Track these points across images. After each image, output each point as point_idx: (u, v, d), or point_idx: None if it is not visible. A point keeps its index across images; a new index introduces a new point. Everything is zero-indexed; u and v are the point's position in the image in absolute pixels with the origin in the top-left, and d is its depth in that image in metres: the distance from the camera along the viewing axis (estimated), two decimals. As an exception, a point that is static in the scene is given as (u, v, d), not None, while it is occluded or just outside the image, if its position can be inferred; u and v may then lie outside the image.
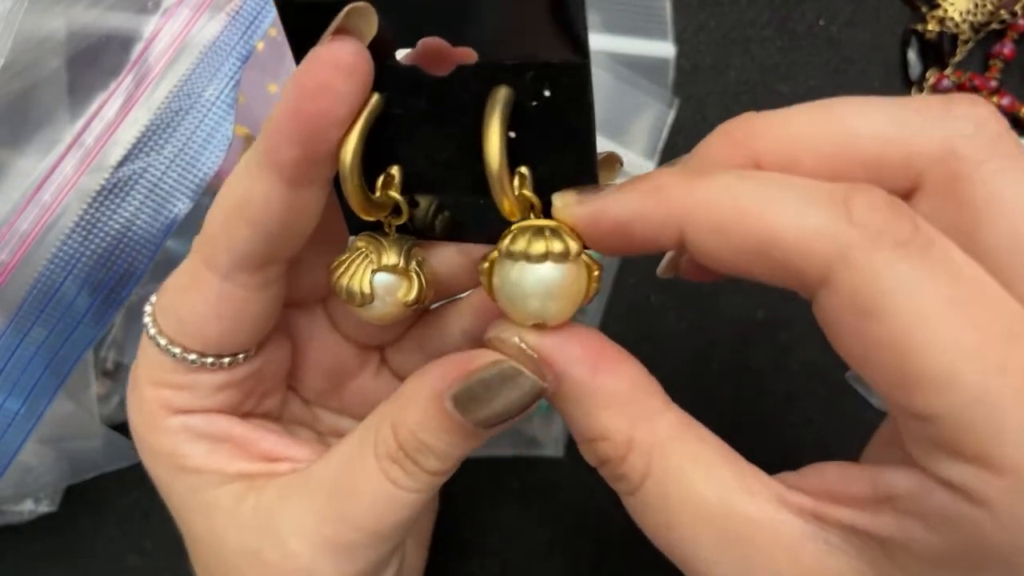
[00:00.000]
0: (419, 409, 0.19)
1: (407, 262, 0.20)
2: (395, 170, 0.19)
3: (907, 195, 0.17)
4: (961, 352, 0.14)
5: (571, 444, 0.35)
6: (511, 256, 0.18)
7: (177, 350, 0.20)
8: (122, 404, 0.34)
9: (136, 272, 0.27)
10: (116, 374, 0.35)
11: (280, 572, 0.20)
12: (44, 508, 0.34)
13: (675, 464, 0.17)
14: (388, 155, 0.19)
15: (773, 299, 0.36)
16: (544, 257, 0.17)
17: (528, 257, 0.18)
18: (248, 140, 0.33)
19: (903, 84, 0.37)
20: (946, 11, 0.36)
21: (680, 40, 0.37)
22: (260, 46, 0.31)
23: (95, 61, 0.27)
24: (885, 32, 0.38)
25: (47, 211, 0.26)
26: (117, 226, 0.27)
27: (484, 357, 0.19)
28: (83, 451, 0.32)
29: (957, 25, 0.36)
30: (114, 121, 0.27)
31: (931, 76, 0.37)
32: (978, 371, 0.14)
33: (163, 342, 0.20)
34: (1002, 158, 0.16)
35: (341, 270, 0.20)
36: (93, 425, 0.32)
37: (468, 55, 0.18)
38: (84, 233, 0.26)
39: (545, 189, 0.18)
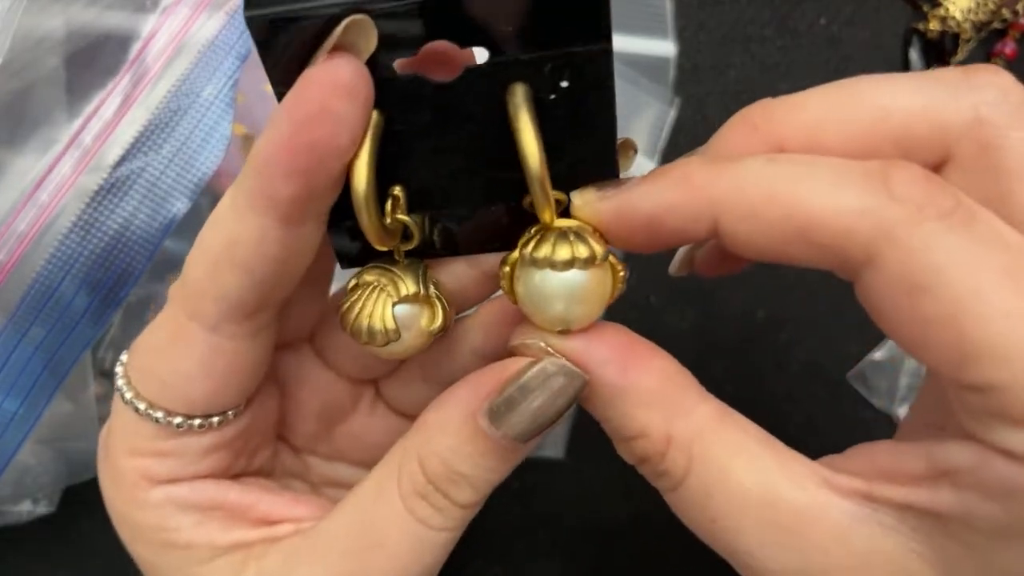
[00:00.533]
0: (450, 434, 0.18)
1: (426, 288, 0.19)
2: (398, 191, 0.18)
3: (936, 168, 0.17)
4: (1020, 321, 0.14)
5: (571, 445, 0.35)
6: (535, 264, 0.17)
7: (159, 414, 0.18)
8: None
9: (135, 272, 0.27)
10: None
11: None
12: (42, 509, 0.34)
13: (716, 456, 0.17)
14: (389, 176, 0.18)
15: (773, 299, 0.36)
16: (570, 264, 0.17)
17: (553, 265, 0.17)
18: (247, 139, 0.33)
19: (904, 83, 0.37)
20: (948, 10, 0.36)
21: (681, 39, 0.37)
22: (259, 45, 0.31)
23: (93, 60, 0.27)
24: (886, 31, 0.37)
25: (45, 211, 0.26)
26: (115, 225, 0.27)
27: (518, 363, 0.18)
28: (81, 452, 0.32)
29: (959, 24, 0.36)
30: (112, 120, 0.27)
31: (932, 75, 0.36)
32: None
33: (142, 406, 0.18)
34: None
35: (356, 310, 0.19)
36: (91, 425, 0.32)
37: (476, 56, 0.17)
38: (82, 233, 0.26)
39: (563, 186, 0.18)
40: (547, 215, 0.17)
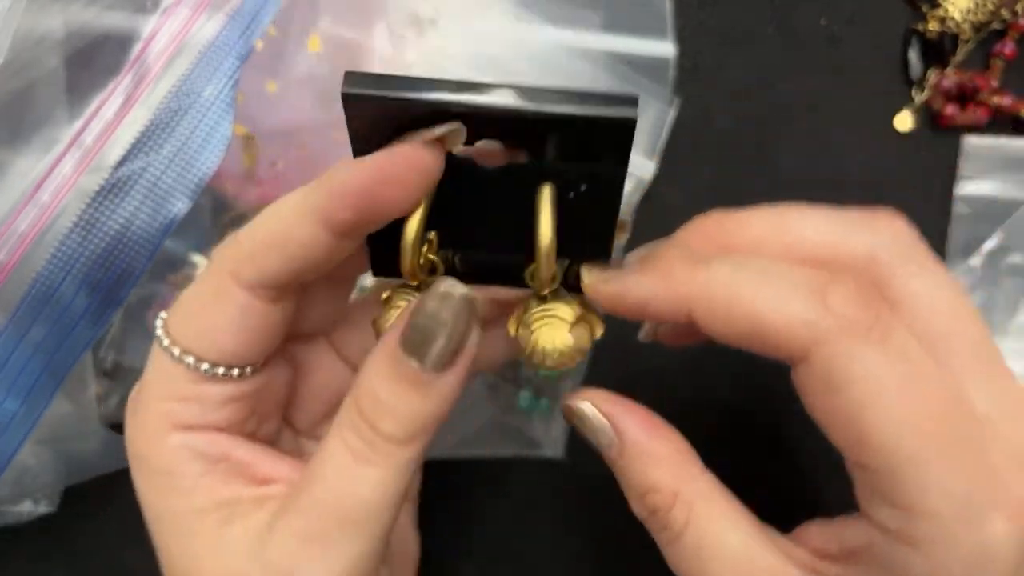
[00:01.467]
0: (375, 369, 0.20)
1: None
2: (433, 235, 0.22)
3: None
4: (902, 423, 0.18)
5: (571, 445, 0.35)
6: (530, 366, 0.23)
7: (191, 359, 0.21)
8: (121, 404, 0.33)
9: (135, 272, 0.27)
10: (115, 374, 0.35)
11: None
12: (43, 509, 0.34)
13: (710, 518, 0.21)
14: (429, 222, 0.21)
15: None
16: (544, 361, 0.22)
17: (544, 365, 0.22)
18: (247, 139, 0.33)
19: (904, 84, 0.37)
20: (947, 10, 0.36)
21: (680, 39, 0.37)
22: (259, 45, 0.31)
23: (93, 60, 0.27)
24: (886, 31, 0.37)
25: (46, 211, 0.26)
26: (116, 226, 0.27)
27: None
28: (81, 452, 0.32)
29: (958, 25, 0.36)
30: (113, 121, 0.27)
31: (932, 76, 0.36)
32: (912, 438, 0.18)
33: (177, 352, 0.21)
34: (915, 264, 0.21)
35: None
36: (92, 425, 0.32)
37: (518, 155, 0.20)
38: (83, 233, 0.26)
39: (567, 259, 0.22)
40: (544, 289, 0.22)
